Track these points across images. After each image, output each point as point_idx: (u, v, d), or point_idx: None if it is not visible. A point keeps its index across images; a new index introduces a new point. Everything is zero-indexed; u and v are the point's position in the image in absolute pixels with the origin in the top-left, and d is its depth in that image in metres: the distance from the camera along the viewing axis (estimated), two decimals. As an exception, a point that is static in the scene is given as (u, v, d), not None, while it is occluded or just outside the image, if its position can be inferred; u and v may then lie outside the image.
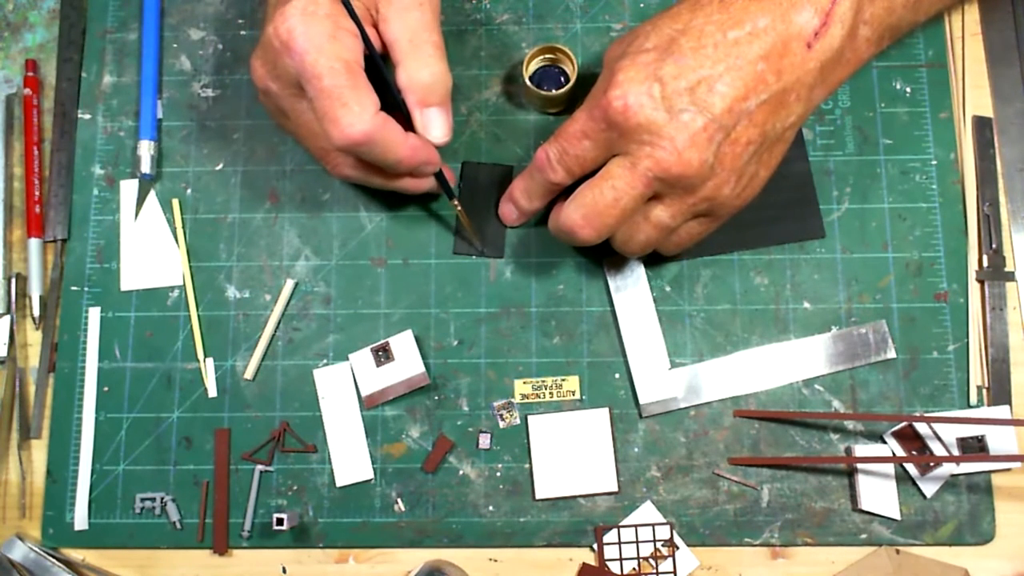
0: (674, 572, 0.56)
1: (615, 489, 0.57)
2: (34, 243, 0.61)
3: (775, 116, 0.47)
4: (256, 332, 0.60)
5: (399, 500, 0.57)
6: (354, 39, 0.49)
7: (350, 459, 0.58)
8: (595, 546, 0.57)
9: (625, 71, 0.46)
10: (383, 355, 0.58)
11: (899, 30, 0.50)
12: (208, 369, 0.59)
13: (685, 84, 0.45)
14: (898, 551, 0.56)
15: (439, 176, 0.55)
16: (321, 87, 0.48)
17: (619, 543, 0.56)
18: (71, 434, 0.59)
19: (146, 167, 0.61)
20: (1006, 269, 0.59)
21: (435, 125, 0.52)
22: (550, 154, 0.51)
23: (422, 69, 0.51)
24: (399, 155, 0.51)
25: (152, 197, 0.62)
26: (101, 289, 0.61)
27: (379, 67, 0.51)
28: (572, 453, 0.57)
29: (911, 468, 0.56)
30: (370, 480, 0.58)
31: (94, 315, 0.60)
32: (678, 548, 0.56)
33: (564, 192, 0.53)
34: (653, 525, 0.56)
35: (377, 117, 0.49)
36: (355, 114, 0.48)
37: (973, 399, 0.57)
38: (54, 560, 0.56)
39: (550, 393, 0.58)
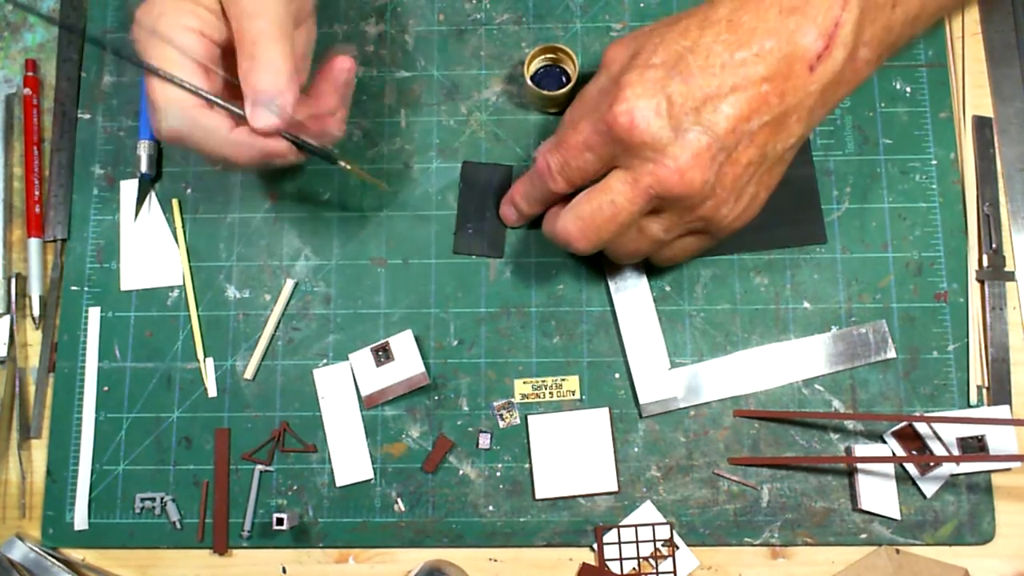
0: (674, 572, 0.56)
1: (615, 489, 0.57)
2: (34, 243, 0.61)
3: (776, 137, 0.47)
4: (256, 332, 0.60)
5: (399, 500, 0.57)
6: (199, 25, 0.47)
7: (350, 459, 0.58)
8: (595, 546, 0.57)
9: (633, 86, 0.46)
10: (383, 355, 0.58)
11: (897, 47, 0.50)
12: (208, 369, 0.59)
13: (692, 103, 0.45)
14: (898, 551, 0.56)
15: (305, 146, 0.50)
16: (150, 81, 0.47)
17: (619, 543, 0.56)
18: (71, 434, 0.59)
19: (146, 167, 0.61)
20: (1006, 269, 0.59)
21: (259, 116, 0.47)
22: (551, 164, 0.50)
23: (262, 74, 0.46)
24: (223, 152, 0.48)
25: (152, 197, 0.62)
26: (101, 289, 0.61)
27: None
28: (572, 453, 0.57)
29: (911, 468, 0.56)
30: (370, 480, 0.58)
31: (94, 315, 0.60)
32: (678, 548, 0.56)
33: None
34: (653, 525, 0.56)
35: (183, 114, 0.46)
36: (160, 112, 0.47)
37: (973, 399, 0.58)
38: (54, 560, 0.56)
39: (550, 393, 0.58)
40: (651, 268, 0.59)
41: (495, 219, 0.60)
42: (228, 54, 0.49)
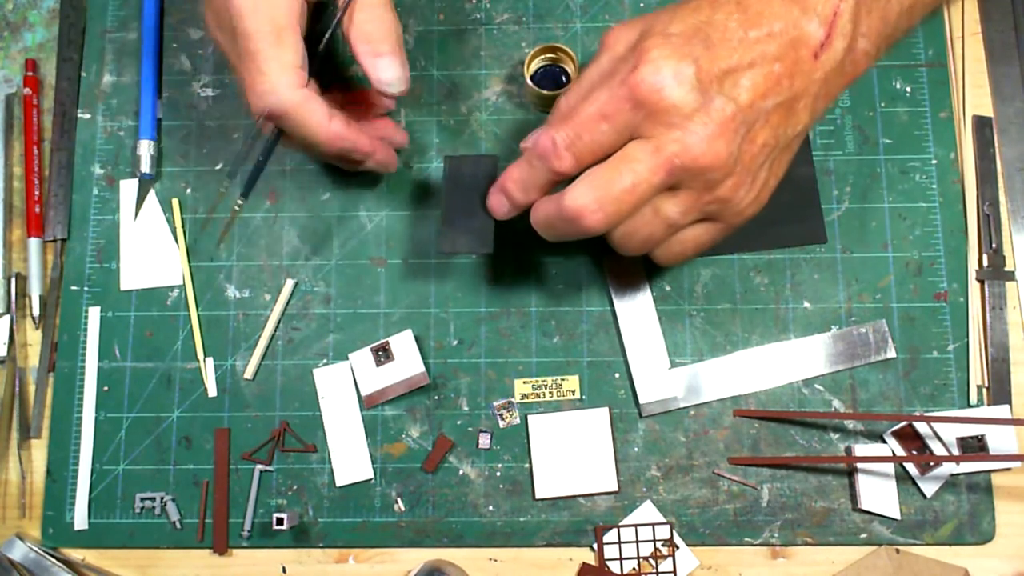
0: (674, 572, 0.56)
1: (615, 489, 0.57)
2: (34, 243, 0.61)
3: (786, 122, 0.47)
4: (256, 332, 0.60)
5: (399, 500, 0.57)
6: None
7: (350, 459, 0.58)
8: (595, 546, 0.57)
9: (659, 48, 0.44)
10: (383, 355, 0.58)
11: (894, 39, 0.50)
12: (208, 369, 0.59)
13: (716, 71, 0.44)
14: (898, 551, 0.56)
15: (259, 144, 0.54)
16: (247, 48, 0.48)
17: (619, 543, 0.56)
18: (71, 434, 0.59)
19: (146, 167, 0.61)
20: (1006, 269, 0.59)
21: (388, 72, 0.52)
22: (558, 140, 0.46)
23: (368, 22, 0.51)
24: (318, 137, 0.50)
25: (152, 197, 0.62)
26: (101, 289, 0.61)
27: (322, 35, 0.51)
28: (572, 453, 0.57)
29: (911, 468, 0.56)
30: (370, 480, 0.58)
31: (94, 315, 0.60)
32: (678, 548, 0.56)
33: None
34: (653, 525, 0.56)
35: (295, 92, 0.49)
36: (270, 83, 0.48)
37: (973, 399, 0.58)
38: (54, 560, 0.56)
39: (550, 393, 0.58)
40: (651, 267, 0.59)
41: (483, 213, 0.54)
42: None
